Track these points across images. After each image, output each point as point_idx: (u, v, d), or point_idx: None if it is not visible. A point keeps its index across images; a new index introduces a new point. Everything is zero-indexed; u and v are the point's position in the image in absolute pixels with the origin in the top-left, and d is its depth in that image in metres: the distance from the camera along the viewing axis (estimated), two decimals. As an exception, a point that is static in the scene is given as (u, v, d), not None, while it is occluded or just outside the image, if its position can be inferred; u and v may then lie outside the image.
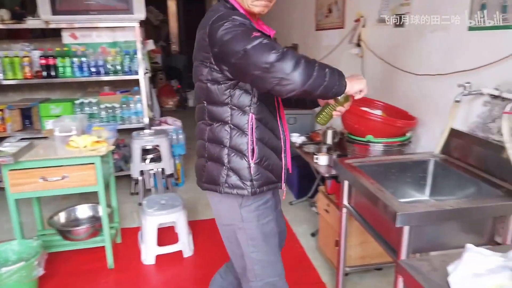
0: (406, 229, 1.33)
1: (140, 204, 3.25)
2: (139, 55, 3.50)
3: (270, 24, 1.47)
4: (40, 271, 2.08)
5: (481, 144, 1.67)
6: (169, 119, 3.98)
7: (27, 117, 3.64)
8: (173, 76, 8.00)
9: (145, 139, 3.26)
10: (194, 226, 2.91)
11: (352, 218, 1.91)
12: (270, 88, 1.14)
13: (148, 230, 2.49)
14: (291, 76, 1.10)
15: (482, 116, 1.68)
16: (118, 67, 3.59)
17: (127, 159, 3.79)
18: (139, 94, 3.61)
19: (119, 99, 3.68)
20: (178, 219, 2.55)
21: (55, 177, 2.18)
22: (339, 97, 1.29)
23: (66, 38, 3.60)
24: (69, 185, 2.21)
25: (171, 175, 3.47)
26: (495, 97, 1.59)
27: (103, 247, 2.43)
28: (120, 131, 3.29)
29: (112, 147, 2.44)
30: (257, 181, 1.35)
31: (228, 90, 1.28)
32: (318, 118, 1.41)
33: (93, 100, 3.59)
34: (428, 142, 2.08)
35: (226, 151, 1.34)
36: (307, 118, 3.46)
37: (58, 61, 3.42)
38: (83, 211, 2.73)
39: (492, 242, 1.49)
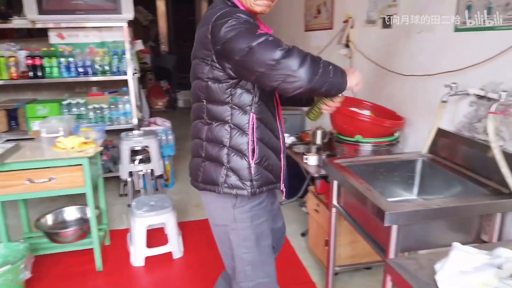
0: (394, 228, 1.34)
1: (129, 205, 3.22)
2: (128, 55, 3.48)
3: (259, 25, 1.47)
4: (27, 275, 2.05)
5: (467, 143, 1.69)
6: (158, 120, 3.95)
7: (13, 118, 3.58)
8: (163, 77, 7.94)
9: (134, 140, 3.23)
10: (184, 227, 2.90)
11: (341, 218, 1.91)
12: (276, 85, 1.13)
13: (137, 231, 2.47)
14: (298, 73, 1.09)
15: (468, 116, 1.71)
16: (106, 68, 3.56)
17: (115, 160, 3.75)
18: (128, 95, 3.59)
19: (108, 100, 3.65)
20: (167, 220, 2.53)
21: (42, 179, 2.15)
22: None
23: (53, 38, 3.55)
24: (56, 187, 2.18)
25: (160, 176, 3.44)
26: (480, 97, 1.61)
27: (92, 249, 2.40)
28: (108, 132, 3.26)
29: (100, 148, 2.42)
30: (257, 181, 1.34)
31: (229, 89, 1.27)
32: (311, 115, 1.42)
33: (81, 101, 3.56)
34: (416, 142, 2.10)
35: (225, 150, 1.32)
36: (297, 118, 3.47)
37: (45, 61, 3.38)
38: (70, 213, 2.70)
39: (478, 240, 1.51)
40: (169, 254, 2.58)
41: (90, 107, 3.57)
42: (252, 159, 1.32)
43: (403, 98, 2.21)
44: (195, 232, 2.90)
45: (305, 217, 2.87)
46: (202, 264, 2.51)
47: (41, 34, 3.61)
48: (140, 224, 2.46)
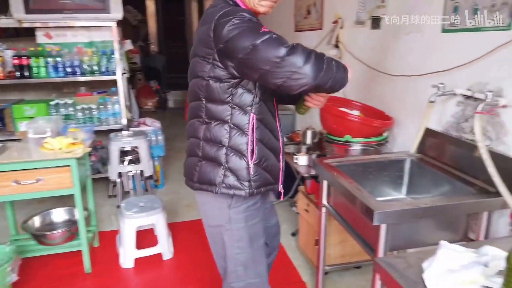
0: (383, 227, 1.35)
1: (118, 206, 3.19)
2: (117, 55, 3.45)
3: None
4: (14, 277, 2.02)
5: (454, 143, 1.71)
6: (148, 120, 3.93)
7: (0, 118, 3.53)
8: (152, 77, 7.89)
9: (123, 141, 3.21)
10: (174, 228, 2.88)
11: (331, 217, 1.92)
12: (281, 83, 1.12)
13: (126, 233, 2.44)
14: (303, 70, 1.08)
15: (456, 116, 1.73)
16: (95, 68, 3.53)
17: (104, 161, 3.72)
18: (117, 95, 3.55)
19: (96, 100, 3.62)
20: (157, 221, 2.52)
21: (29, 180, 2.11)
22: None
23: (40, 37, 3.51)
24: (44, 188, 2.15)
25: (150, 177, 3.42)
26: (467, 97, 1.64)
27: (80, 251, 2.38)
28: (97, 132, 3.23)
29: (89, 149, 2.39)
30: (255, 182, 1.34)
31: (230, 89, 1.26)
32: (301, 110, 1.43)
33: (69, 101, 3.51)
34: (404, 141, 2.12)
35: (224, 150, 1.31)
36: (287, 118, 3.48)
37: (32, 61, 3.33)
38: (58, 214, 2.66)
39: (466, 238, 1.53)
40: (159, 255, 2.56)
41: (78, 107, 3.53)
42: (251, 160, 1.32)
43: (392, 98, 2.23)
44: (185, 233, 2.89)
45: (296, 217, 2.88)
46: (192, 265, 2.50)
47: (28, 33, 3.56)
48: (129, 225, 2.44)
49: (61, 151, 2.20)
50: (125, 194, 3.35)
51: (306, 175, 2.29)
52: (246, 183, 1.32)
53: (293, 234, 2.83)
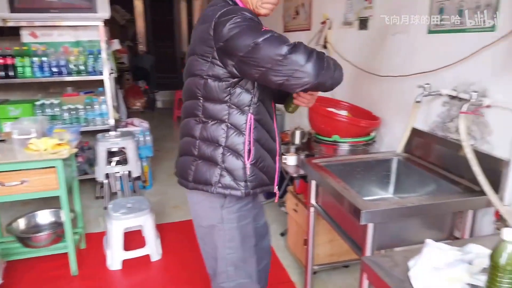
0: (370, 226, 1.36)
1: (105, 208, 3.15)
2: (104, 55, 3.41)
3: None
4: (-2, 281, 1.99)
5: (440, 142, 1.73)
6: (136, 121, 3.89)
7: (-16, 119, 3.46)
8: (141, 77, 7.82)
9: (111, 141, 3.17)
10: (162, 229, 2.86)
11: (319, 217, 1.93)
12: (282, 81, 1.11)
13: (114, 234, 2.42)
14: (305, 68, 1.08)
15: (441, 115, 1.75)
16: (82, 67, 3.49)
17: (91, 162, 3.67)
18: (104, 95, 3.51)
19: (83, 100, 3.57)
20: (145, 223, 2.50)
21: (13, 182, 2.08)
22: None
23: (25, 36, 3.45)
24: (29, 190, 2.12)
25: (138, 178, 3.40)
26: (453, 97, 1.66)
27: (67, 253, 2.34)
28: (84, 133, 3.19)
29: (75, 150, 2.36)
30: (251, 182, 1.33)
31: (229, 88, 1.25)
32: (290, 108, 1.44)
33: (55, 102, 3.46)
34: (391, 141, 2.14)
35: (221, 150, 1.30)
36: (277, 118, 3.47)
37: (17, 61, 3.29)
38: (44, 216, 2.62)
39: (451, 236, 1.55)
40: (147, 257, 2.54)
41: (64, 107, 3.48)
42: (248, 160, 1.31)
43: (379, 98, 2.25)
44: (174, 234, 2.87)
45: (284, 217, 2.88)
46: (181, 266, 2.48)
47: (13, 32, 3.50)
48: (117, 226, 2.41)
49: (47, 152, 2.16)
50: (113, 195, 3.32)
51: (295, 175, 2.30)
52: (242, 183, 1.32)
53: (282, 234, 2.83)
